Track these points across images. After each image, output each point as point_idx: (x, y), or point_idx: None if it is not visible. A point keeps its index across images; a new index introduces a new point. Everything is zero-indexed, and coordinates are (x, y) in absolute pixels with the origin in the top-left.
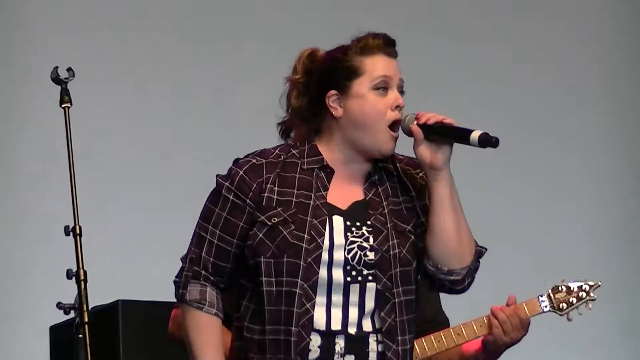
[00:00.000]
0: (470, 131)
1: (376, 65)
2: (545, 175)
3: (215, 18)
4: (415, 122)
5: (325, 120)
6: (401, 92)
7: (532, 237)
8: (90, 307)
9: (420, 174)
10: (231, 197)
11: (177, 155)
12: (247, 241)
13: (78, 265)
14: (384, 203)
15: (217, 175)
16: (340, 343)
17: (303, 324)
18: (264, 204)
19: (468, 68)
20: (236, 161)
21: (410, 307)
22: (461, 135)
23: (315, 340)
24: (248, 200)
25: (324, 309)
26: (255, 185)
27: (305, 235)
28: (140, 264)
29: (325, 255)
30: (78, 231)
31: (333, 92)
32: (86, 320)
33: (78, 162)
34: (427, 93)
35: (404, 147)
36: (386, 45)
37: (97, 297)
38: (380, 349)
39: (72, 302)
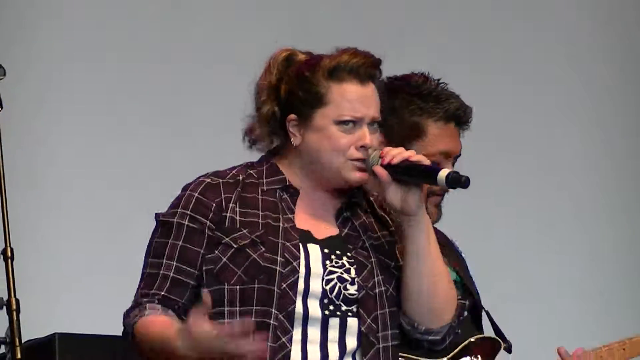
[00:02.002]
0: (438, 170)
1: (345, 96)
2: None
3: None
4: (379, 163)
5: (286, 142)
6: (374, 123)
7: None
8: (23, 341)
9: None
10: (186, 222)
11: (126, 176)
12: (206, 266)
13: (10, 293)
14: (364, 237)
15: (156, 213)
16: None
17: None
18: (226, 224)
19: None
20: (185, 187)
21: (396, 354)
22: (428, 174)
23: None
24: (208, 222)
25: (299, 346)
26: (214, 205)
27: (279, 258)
28: (81, 293)
29: (301, 284)
30: (9, 254)
31: (293, 117)
32: (19, 356)
33: (11, 175)
34: None
35: None
36: (362, 68)
37: (32, 330)
38: None
39: (3, 336)
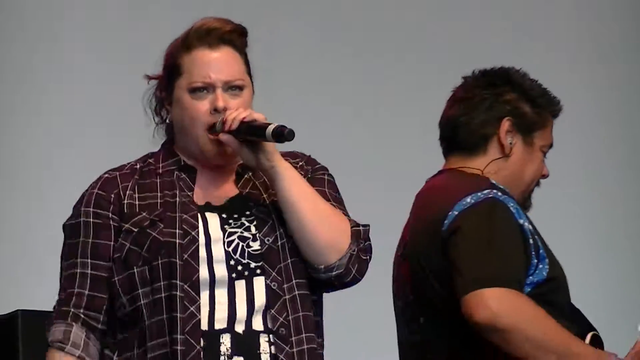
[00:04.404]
0: (266, 126)
1: (194, 64)
2: None
3: None
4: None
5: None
6: (236, 87)
7: None
8: None
9: (300, 164)
10: (91, 220)
11: (93, 155)
12: (114, 255)
13: None
14: (264, 195)
15: (63, 224)
16: (226, 343)
17: (190, 330)
18: (126, 211)
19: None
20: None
21: (306, 302)
22: (260, 132)
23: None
24: (110, 214)
25: (207, 309)
26: (113, 197)
27: (177, 231)
28: (45, 269)
29: (202, 252)
30: None
31: (164, 94)
32: None
33: None
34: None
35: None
36: (210, 36)
37: None
38: (273, 351)
39: None
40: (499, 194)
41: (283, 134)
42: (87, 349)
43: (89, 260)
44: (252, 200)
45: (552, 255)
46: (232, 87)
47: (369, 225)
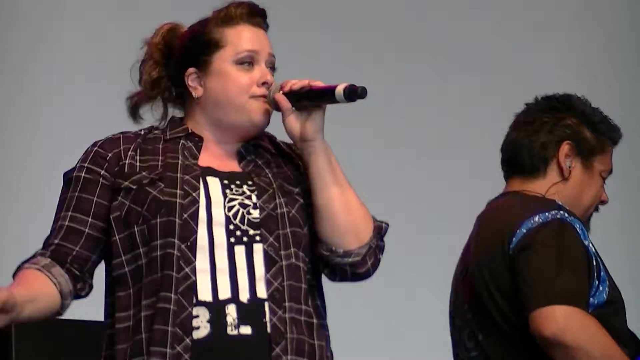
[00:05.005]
0: (335, 87)
1: (240, 37)
2: None
3: None
4: (280, 92)
5: (187, 101)
6: (272, 68)
7: None
8: None
9: None
10: (83, 174)
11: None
12: (113, 214)
13: None
14: (266, 170)
15: (64, 173)
16: (232, 313)
17: (183, 291)
18: (125, 170)
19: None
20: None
21: (301, 274)
22: (327, 93)
23: (203, 315)
24: (103, 172)
25: (208, 277)
26: (110, 155)
27: (178, 191)
28: None
29: (202, 213)
30: None
31: (192, 70)
32: None
33: None
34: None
35: None
36: (252, 15)
37: None
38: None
39: None
40: (566, 214)
41: (356, 92)
42: (49, 268)
43: (70, 213)
44: (255, 173)
45: (611, 278)
46: (271, 65)
47: (388, 225)
